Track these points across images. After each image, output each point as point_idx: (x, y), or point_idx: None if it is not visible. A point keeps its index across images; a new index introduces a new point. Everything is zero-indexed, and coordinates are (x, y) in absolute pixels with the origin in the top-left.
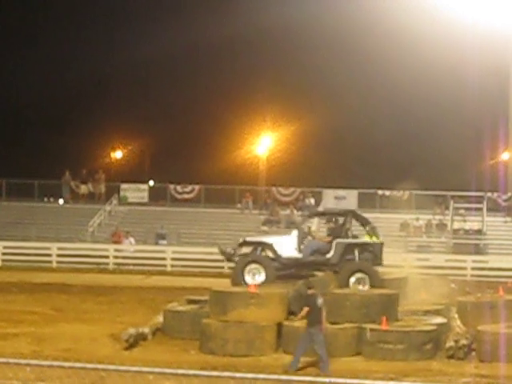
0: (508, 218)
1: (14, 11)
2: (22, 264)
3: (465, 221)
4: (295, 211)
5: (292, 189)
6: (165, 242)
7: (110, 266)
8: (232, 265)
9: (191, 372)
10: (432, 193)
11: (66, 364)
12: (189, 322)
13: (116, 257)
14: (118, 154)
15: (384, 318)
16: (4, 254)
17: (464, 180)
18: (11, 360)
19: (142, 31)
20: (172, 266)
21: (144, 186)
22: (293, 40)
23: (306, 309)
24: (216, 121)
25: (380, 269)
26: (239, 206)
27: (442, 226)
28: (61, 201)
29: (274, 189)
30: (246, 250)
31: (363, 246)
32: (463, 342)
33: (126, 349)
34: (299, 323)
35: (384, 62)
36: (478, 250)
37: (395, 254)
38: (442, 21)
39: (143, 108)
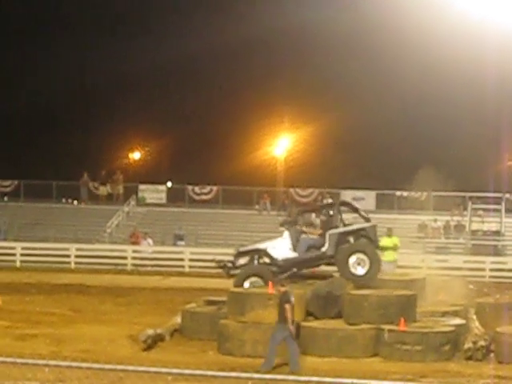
0: None
1: (35, 11)
2: (41, 265)
3: (483, 222)
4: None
5: (310, 190)
6: (183, 243)
7: (128, 267)
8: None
9: (209, 373)
10: (450, 194)
11: (85, 365)
12: (207, 322)
13: (134, 258)
14: (136, 155)
15: (402, 319)
16: (22, 255)
17: (482, 181)
18: (30, 361)
19: (160, 33)
20: (190, 267)
21: (162, 187)
22: (310, 40)
23: (287, 306)
24: (234, 122)
25: (399, 270)
26: (257, 207)
27: (460, 227)
28: (75, 202)
29: (291, 190)
30: (243, 260)
31: (357, 232)
32: (481, 343)
33: (144, 350)
34: (317, 324)
35: (401, 62)
36: (496, 252)
37: (413, 255)
38: (459, 18)
39: (161, 109)
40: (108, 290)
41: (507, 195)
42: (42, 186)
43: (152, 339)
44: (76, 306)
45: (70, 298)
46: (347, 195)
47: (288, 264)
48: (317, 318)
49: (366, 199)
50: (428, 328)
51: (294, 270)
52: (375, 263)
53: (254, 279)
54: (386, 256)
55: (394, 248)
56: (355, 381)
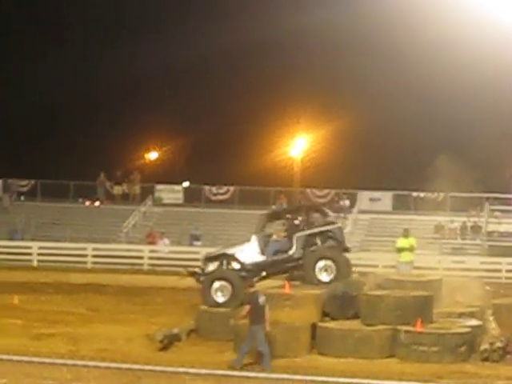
0: None
1: (48, 8)
2: (58, 264)
3: (500, 223)
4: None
5: (326, 190)
6: (199, 243)
7: (145, 267)
8: None
9: (227, 372)
10: (467, 195)
11: (103, 364)
12: (223, 322)
13: (151, 258)
14: (152, 155)
15: (418, 320)
16: (39, 254)
17: (500, 182)
18: (47, 360)
19: (177, 32)
20: None
21: (179, 187)
22: (327, 40)
23: (246, 307)
24: (251, 122)
25: (415, 271)
26: (273, 207)
27: (476, 228)
28: (87, 203)
29: (308, 190)
30: (212, 266)
31: (323, 234)
32: (498, 344)
33: (161, 350)
34: (333, 324)
35: (420, 62)
36: None
37: (430, 256)
38: (480, 17)
39: (178, 109)
40: (125, 290)
41: None
42: (59, 185)
43: (168, 339)
44: (93, 305)
45: (87, 298)
46: (364, 196)
47: (256, 268)
48: (333, 319)
49: (383, 200)
50: (444, 329)
51: (263, 273)
52: (343, 268)
53: (221, 283)
54: (403, 257)
55: (411, 249)
56: (372, 382)
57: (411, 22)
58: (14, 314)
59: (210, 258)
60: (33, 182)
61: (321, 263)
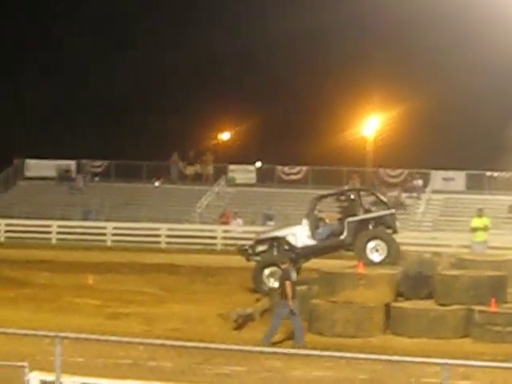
0: None
1: None
2: (132, 245)
3: None
4: (403, 193)
5: (399, 170)
6: (272, 223)
7: (218, 247)
8: None
9: (302, 351)
10: None
11: (179, 343)
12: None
13: (224, 238)
14: (225, 136)
15: (493, 300)
16: (114, 234)
17: None
18: (124, 339)
19: (250, 14)
20: None
21: (252, 168)
22: (401, 18)
23: (288, 283)
24: (323, 101)
25: (489, 251)
26: (346, 187)
27: None
28: (156, 183)
29: (381, 170)
30: (262, 247)
31: (375, 220)
32: None
33: (235, 329)
34: (407, 304)
35: (494, 37)
36: None
37: (504, 236)
38: None
39: (250, 89)
40: (198, 270)
41: None
42: (133, 166)
43: (242, 319)
44: (166, 285)
45: (161, 278)
46: (437, 175)
47: (306, 251)
48: (407, 299)
49: (456, 180)
50: None
51: (313, 257)
52: (393, 249)
53: (272, 269)
54: (477, 237)
55: (485, 229)
56: (449, 361)
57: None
58: (89, 294)
59: (260, 240)
60: (107, 162)
61: (372, 243)
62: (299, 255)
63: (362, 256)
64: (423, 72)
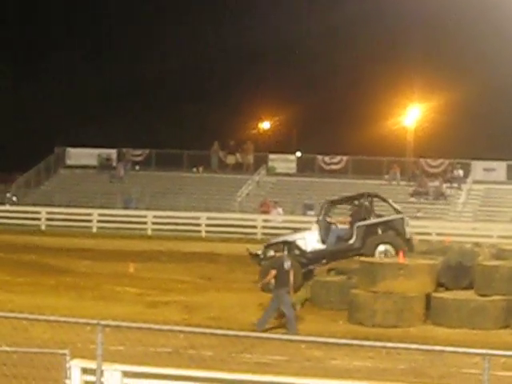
0: None
1: None
2: (172, 233)
3: None
4: (443, 183)
5: (440, 160)
6: (312, 212)
7: (258, 236)
8: None
9: (343, 341)
10: None
11: (220, 331)
12: (337, 292)
13: (264, 227)
14: (265, 125)
15: None
16: (154, 223)
17: None
18: (165, 327)
19: (292, 5)
20: None
21: (292, 157)
22: (442, 7)
23: (272, 272)
24: (363, 91)
25: None
26: (386, 177)
27: None
28: (193, 169)
29: (421, 160)
30: (273, 252)
31: (385, 225)
32: None
33: (275, 318)
34: (448, 295)
35: None
36: None
37: None
38: None
39: (290, 79)
40: (238, 259)
41: None
42: (173, 154)
43: None
44: (206, 274)
45: (201, 266)
46: (478, 166)
47: (316, 255)
48: (448, 289)
49: (497, 170)
50: None
51: (324, 261)
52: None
53: None
54: None
55: None
56: (490, 351)
57: None
58: (129, 283)
59: (271, 245)
60: (147, 151)
61: (380, 248)
62: (309, 260)
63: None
64: (465, 61)
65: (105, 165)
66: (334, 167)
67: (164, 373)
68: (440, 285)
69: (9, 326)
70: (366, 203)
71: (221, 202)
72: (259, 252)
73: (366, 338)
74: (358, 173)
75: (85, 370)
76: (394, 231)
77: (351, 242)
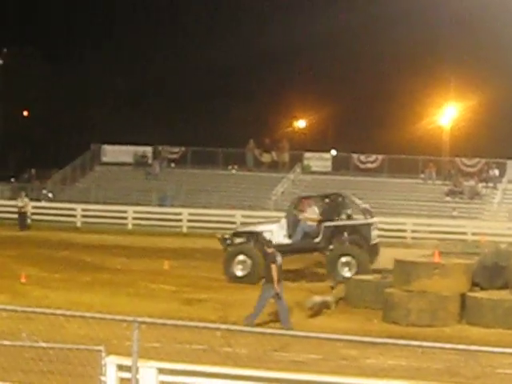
0: None
1: None
2: (206, 231)
3: None
4: (479, 182)
5: (476, 159)
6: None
7: None
8: None
9: (379, 340)
10: None
11: (257, 329)
12: (372, 291)
13: None
14: (300, 123)
15: None
16: (189, 220)
17: None
18: (200, 324)
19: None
20: None
21: (327, 155)
22: (479, 6)
23: (274, 267)
24: (399, 90)
25: None
26: (422, 176)
27: None
28: (229, 167)
29: (457, 159)
30: (240, 239)
31: (351, 228)
32: None
33: (311, 316)
34: (483, 294)
35: None
36: None
37: None
38: None
39: (326, 77)
40: None
41: None
42: (209, 152)
43: (318, 306)
44: None
45: None
46: None
47: (281, 249)
48: (483, 289)
49: None
50: None
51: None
52: (362, 266)
53: (243, 257)
54: None
55: None
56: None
57: None
58: (164, 280)
59: (238, 234)
60: (183, 149)
61: (343, 259)
62: None
63: (332, 270)
64: (501, 61)
65: (140, 162)
66: (369, 166)
67: (200, 370)
68: (475, 284)
69: (46, 321)
70: (338, 203)
71: (256, 200)
72: (227, 237)
73: (401, 337)
74: (393, 172)
75: (120, 367)
76: (360, 236)
77: (317, 240)
